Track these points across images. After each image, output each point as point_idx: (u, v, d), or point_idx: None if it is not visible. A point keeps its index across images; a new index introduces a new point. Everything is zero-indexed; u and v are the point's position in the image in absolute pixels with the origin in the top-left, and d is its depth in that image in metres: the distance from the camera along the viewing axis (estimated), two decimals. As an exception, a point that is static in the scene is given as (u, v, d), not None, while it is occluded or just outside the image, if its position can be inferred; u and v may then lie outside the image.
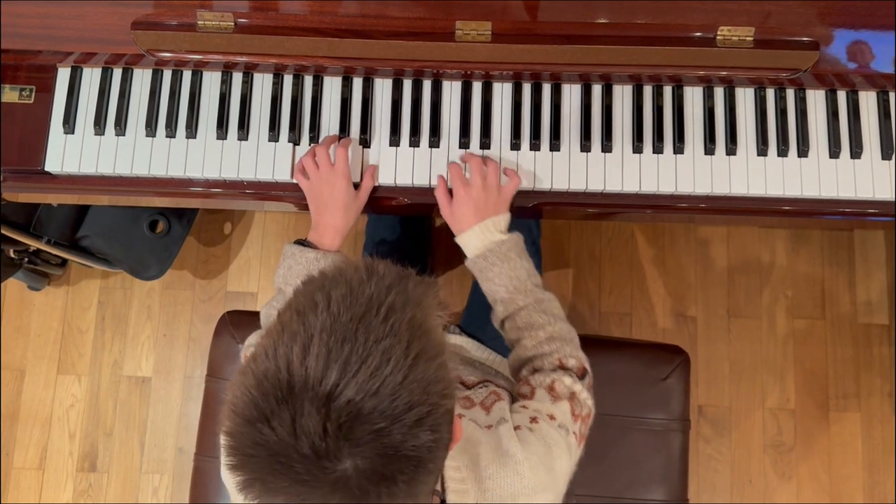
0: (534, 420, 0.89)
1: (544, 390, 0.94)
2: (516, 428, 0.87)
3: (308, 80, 1.18)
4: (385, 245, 1.44)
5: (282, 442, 0.56)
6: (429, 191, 1.17)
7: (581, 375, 0.97)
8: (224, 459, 0.60)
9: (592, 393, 0.98)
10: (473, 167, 1.09)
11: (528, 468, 0.83)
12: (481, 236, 1.06)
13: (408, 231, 1.45)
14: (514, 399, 1.03)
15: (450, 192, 1.12)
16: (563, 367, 0.97)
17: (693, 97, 1.17)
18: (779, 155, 1.15)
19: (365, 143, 1.16)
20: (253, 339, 1.04)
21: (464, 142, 1.16)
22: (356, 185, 1.13)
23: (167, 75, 1.18)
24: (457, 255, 1.86)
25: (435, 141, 1.16)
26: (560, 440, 0.87)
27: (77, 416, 1.88)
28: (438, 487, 0.79)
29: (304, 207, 1.25)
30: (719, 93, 1.17)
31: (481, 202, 1.07)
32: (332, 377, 0.57)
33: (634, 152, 1.16)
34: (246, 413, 0.58)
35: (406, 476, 0.59)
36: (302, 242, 1.09)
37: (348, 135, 1.16)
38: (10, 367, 1.91)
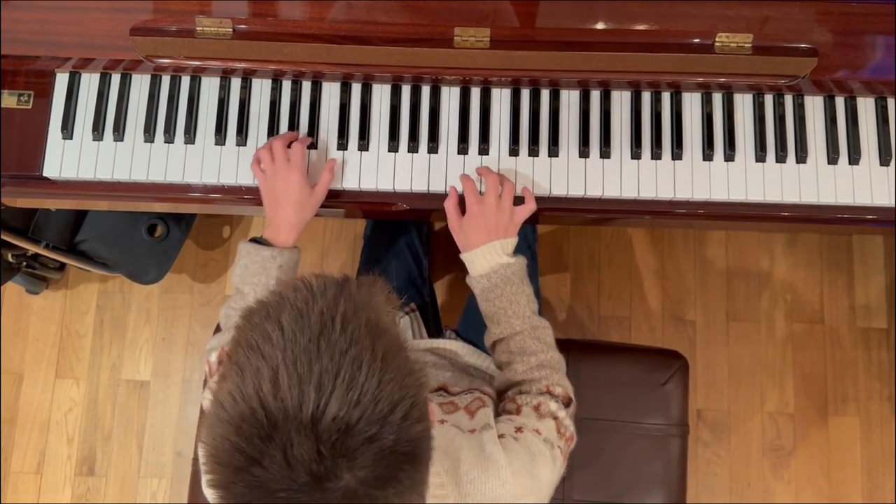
0: (519, 430, 0.90)
1: (530, 408, 0.95)
2: (500, 436, 0.88)
3: (306, 86, 1.18)
4: (383, 249, 1.44)
5: (278, 478, 0.56)
6: (427, 196, 1.17)
7: (566, 404, 0.98)
8: None
9: (575, 422, 0.99)
10: (489, 185, 1.08)
11: (511, 473, 0.83)
12: (488, 257, 1.05)
13: (406, 235, 1.44)
14: (498, 407, 1.04)
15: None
16: (549, 394, 0.98)
17: (691, 103, 1.17)
18: (777, 161, 1.15)
19: (364, 148, 1.16)
20: (214, 343, 1.03)
21: (462, 147, 1.16)
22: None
23: (165, 81, 1.18)
24: (455, 260, 1.86)
25: (433, 147, 1.16)
26: (545, 451, 0.88)
27: (75, 420, 1.88)
28: None
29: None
30: (717, 99, 1.17)
31: (492, 222, 1.06)
32: (311, 400, 0.56)
33: (633, 158, 1.16)
34: (232, 461, 0.57)
35: (407, 472, 0.59)
36: (258, 240, 1.08)
37: (346, 141, 1.16)
38: (8, 371, 1.91)
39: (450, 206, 1.10)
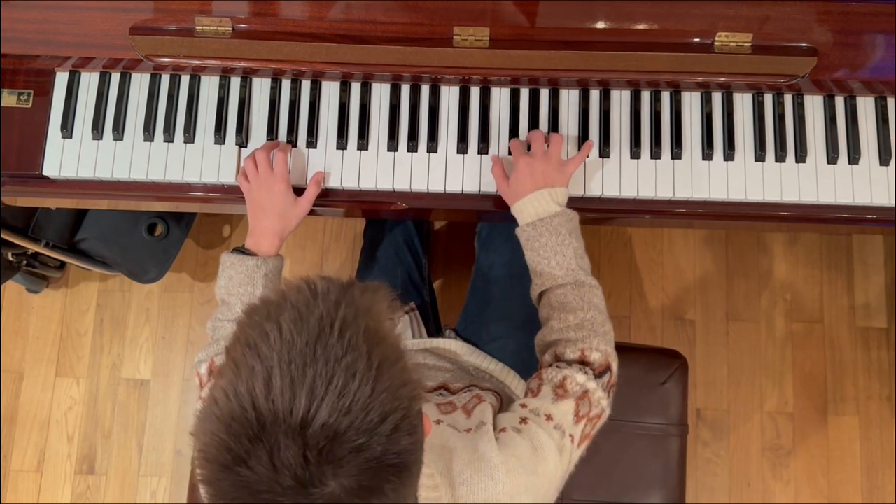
0: (524, 421, 0.87)
1: (550, 388, 0.92)
2: (502, 430, 0.86)
3: (306, 85, 1.18)
4: (382, 249, 1.44)
5: (263, 480, 0.56)
6: (426, 196, 1.17)
7: (600, 372, 0.94)
8: None
9: (612, 392, 0.95)
10: (535, 139, 1.09)
11: (505, 472, 0.81)
12: (535, 204, 1.04)
13: (405, 235, 1.44)
14: (501, 401, 1.03)
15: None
16: (583, 361, 0.95)
17: (691, 103, 1.17)
18: (777, 160, 1.15)
19: (363, 147, 1.16)
20: (203, 355, 1.03)
21: (461, 147, 1.16)
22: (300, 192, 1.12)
23: (165, 80, 1.18)
24: (455, 259, 1.87)
25: (433, 146, 1.16)
26: (549, 442, 0.86)
27: (75, 419, 1.88)
28: None
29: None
30: (717, 98, 1.17)
31: (539, 171, 1.05)
32: (302, 405, 0.56)
33: (632, 157, 1.16)
34: (220, 459, 0.57)
35: (393, 484, 0.59)
36: (240, 250, 1.08)
37: (346, 140, 1.16)
38: (8, 370, 1.91)
39: (496, 171, 1.11)
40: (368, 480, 0.57)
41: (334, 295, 0.63)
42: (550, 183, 1.05)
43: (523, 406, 0.91)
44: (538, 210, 1.04)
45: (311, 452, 0.55)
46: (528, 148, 1.11)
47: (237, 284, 1.04)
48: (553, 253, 1.01)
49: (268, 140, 1.16)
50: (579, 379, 0.92)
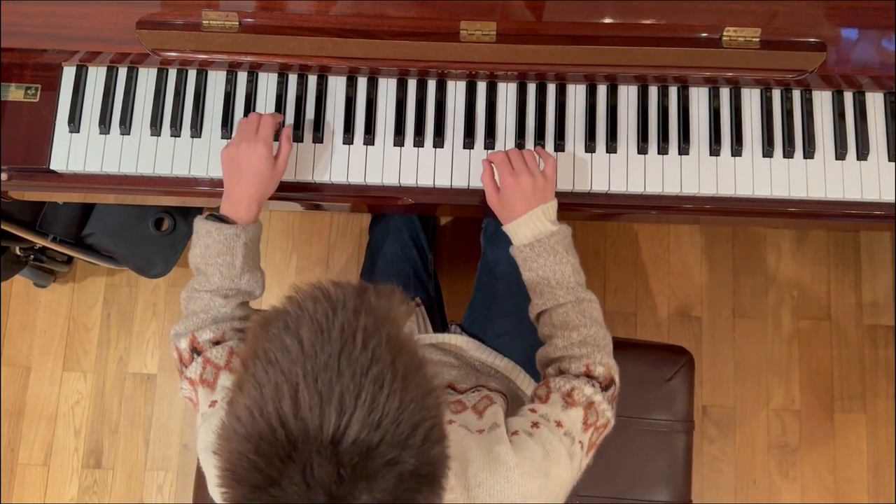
0: (535, 425, 0.88)
1: (559, 395, 0.92)
2: (514, 433, 0.87)
3: (312, 80, 1.18)
4: (388, 244, 1.44)
5: (295, 499, 0.55)
6: (432, 191, 1.16)
7: (606, 386, 0.95)
8: None
9: (615, 405, 0.96)
10: (514, 157, 1.06)
11: (520, 475, 0.81)
12: (531, 225, 1.02)
13: (411, 230, 1.44)
14: (508, 402, 1.03)
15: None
16: (588, 375, 0.95)
17: (698, 98, 1.16)
18: (784, 156, 1.15)
19: (370, 142, 1.16)
20: (181, 328, 0.98)
21: (468, 142, 1.16)
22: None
23: (172, 74, 1.18)
24: (461, 255, 1.87)
25: (439, 141, 1.16)
26: (560, 447, 0.86)
27: (82, 413, 1.89)
28: None
29: (310, 207, 1.25)
30: (725, 93, 1.16)
31: (529, 189, 1.03)
32: (332, 421, 0.55)
33: (639, 153, 1.15)
34: (250, 480, 0.56)
35: (424, 494, 0.59)
36: (215, 216, 1.02)
37: (352, 135, 1.16)
38: (15, 364, 1.92)
39: (486, 179, 1.08)
40: (402, 493, 0.57)
41: (352, 303, 0.62)
42: (542, 198, 1.03)
43: (533, 411, 0.91)
44: (534, 231, 1.02)
45: (346, 469, 0.55)
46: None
47: (215, 254, 1.00)
48: (552, 273, 1.01)
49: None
50: (587, 391, 0.93)
